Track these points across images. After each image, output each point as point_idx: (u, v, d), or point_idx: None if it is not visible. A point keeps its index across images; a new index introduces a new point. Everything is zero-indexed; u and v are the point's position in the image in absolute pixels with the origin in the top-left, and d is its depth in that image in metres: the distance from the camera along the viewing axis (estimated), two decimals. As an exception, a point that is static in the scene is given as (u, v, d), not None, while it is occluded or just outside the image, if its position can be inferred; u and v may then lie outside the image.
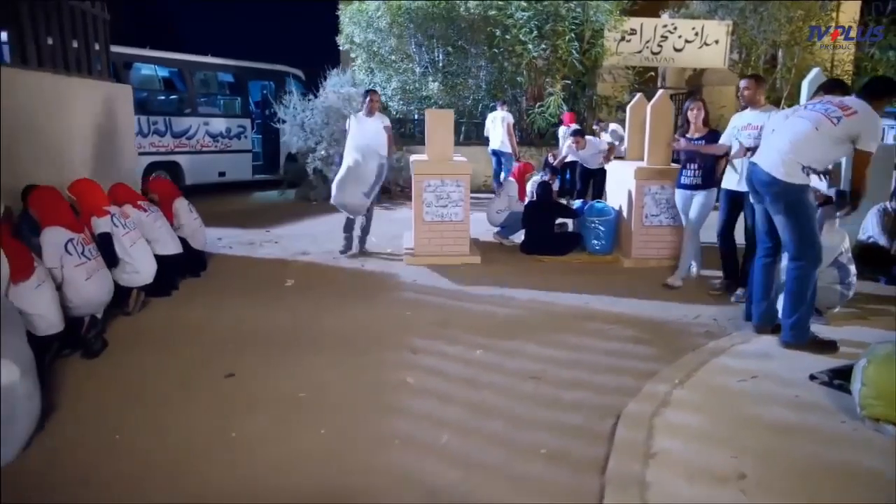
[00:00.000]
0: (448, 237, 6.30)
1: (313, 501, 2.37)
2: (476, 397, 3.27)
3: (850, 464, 2.44)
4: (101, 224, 4.28)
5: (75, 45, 6.14)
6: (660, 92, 6.47)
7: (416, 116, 12.40)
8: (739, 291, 4.95)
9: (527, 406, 3.17)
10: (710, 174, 5.20)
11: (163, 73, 11.43)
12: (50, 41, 5.59)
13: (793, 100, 12.72)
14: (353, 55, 11.98)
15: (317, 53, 16.89)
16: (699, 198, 5.26)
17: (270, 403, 3.19)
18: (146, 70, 11.03)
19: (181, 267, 5.37)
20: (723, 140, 5.01)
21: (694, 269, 5.71)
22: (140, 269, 4.49)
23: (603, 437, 2.82)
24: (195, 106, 11.62)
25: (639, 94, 7.01)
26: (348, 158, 6.37)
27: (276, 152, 13.38)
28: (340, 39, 11.92)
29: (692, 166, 5.29)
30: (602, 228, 6.57)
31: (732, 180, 4.95)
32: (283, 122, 11.02)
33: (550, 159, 9.98)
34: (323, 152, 10.66)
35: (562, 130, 10.58)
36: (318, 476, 2.54)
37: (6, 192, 4.76)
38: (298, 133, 10.84)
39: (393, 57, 11.58)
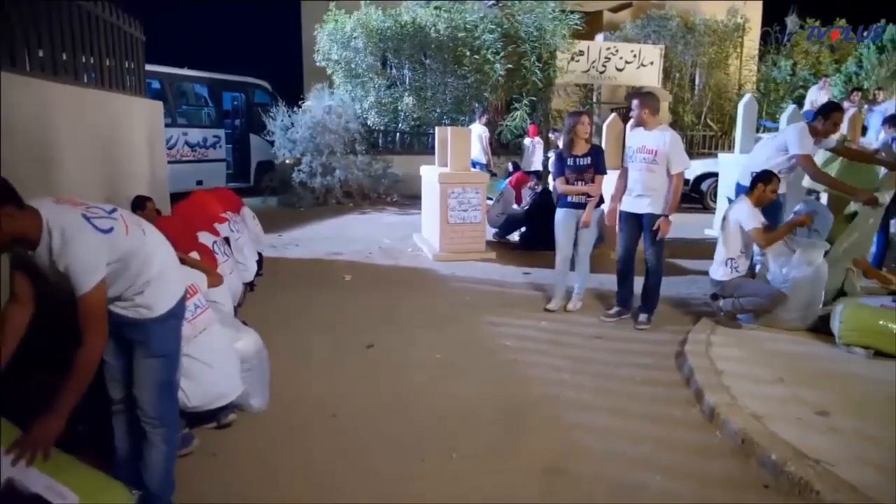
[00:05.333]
0: (468, 237, 7.37)
1: (500, 416, 3.40)
2: (565, 352, 4.38)
3: (845, 369, 3.79)
4: (221, 230, 5.03)
5: (118, 63, 6.69)
6: (612, 115, 7.93)
7: (382, 128, 13.38)
8: (644, 317, 4.90)
9: (605, 354, 4.33)
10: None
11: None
12: (90, 58, 6.04)
13: (713, 113, 14.79)
14: (329, 71, 12.75)
15: (275, 65, 17.48)
16: (591, 216, 5.05)
17: (417, 365, 4.15)
18: (129, 82, 11.33)
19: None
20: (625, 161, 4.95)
21: (576, 298, 5.40)
22: (249, 266, 5.28)
23: (672, 368, 4.04)
24: (175, 117, 12.03)
25: (613, 114, 8.36)
26: None
27: (246, 161, 13.93)
28: (317, 56, 12.66)
29: (578, 184, 5.02)
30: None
31: (632, 202, 4.78)
32: (272, 133, 11.68)
33: (510, 167, 11.26)
34: (309, 166, 11.40)
35: (527, 141, 11.90)
36: (493, 400, 3.58)
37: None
38: (287, 145, 11.54)
39: (370, 74, 12.47)
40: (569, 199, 5.10)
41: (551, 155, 10.84)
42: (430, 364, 4.14)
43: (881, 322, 3.92)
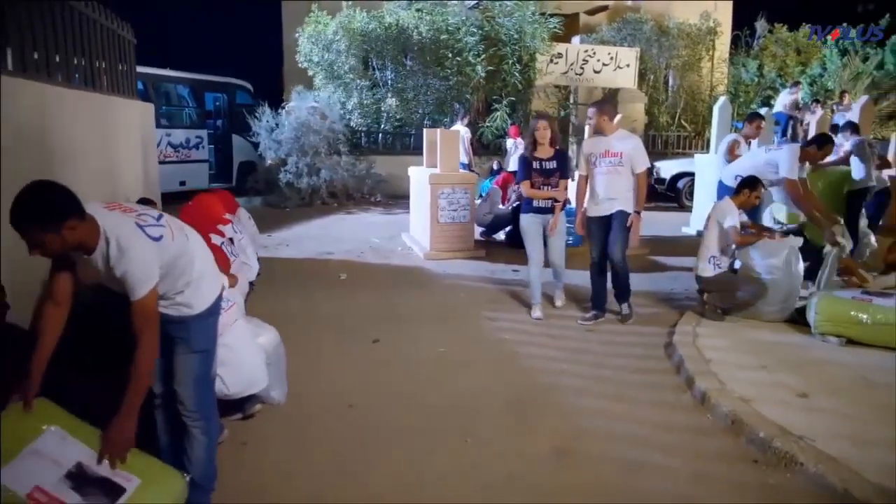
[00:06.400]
0: (458, 236, 7.59)
1: (507, 403, 3.63)
2: (561, 344, 4.64)
3: (821, 356, 4.12)
4: (226, 231, 5.17)
5: (112, 66, 6.75)
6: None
7: (364, 129, 13.53)
8: (625, 307, 5.04)
9: (599, 346, 4.59)
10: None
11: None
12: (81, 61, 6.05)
13: (686, 114, 15.24)
14: (311, 73, 12.84)
15: (255, 66, 17.47)
16: (559, 222, 5.05)
17: (423, 358, 4.36)
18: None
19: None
20: (580, 168, 5.08)
21: (559, 293, 5.53)
22: (252, 266, 5.42)
23: (662, 357, 4.33)
24: (157, 118, 12.02)
25: (593, 117, 8.66)
26: None
27: (228, 161, 13.98)
28: (299, 58, 12.75)
29: (545, 188, 4.97)
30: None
31: (599, 206, 4.87)
32: (258, 134, 11.77)
33: (495, 167, 11.54)
34: (295, 166, 11.52)
35: (509, 142, 12.15)
36: (499, 389, 3.81)
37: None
38: (272, 145, 11.63)
39: (351, 75, 12.61)
40: (534, 203, 5.01)
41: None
42: (436, 357, 4.36)
43: (852, 313, 4.25)
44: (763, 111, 8.89)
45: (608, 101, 5.17)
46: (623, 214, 4.79)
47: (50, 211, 1.96)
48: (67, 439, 2.13)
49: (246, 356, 3.08)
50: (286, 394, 3.61)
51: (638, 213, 4.83)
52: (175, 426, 2.61)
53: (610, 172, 4.77)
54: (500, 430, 3.33)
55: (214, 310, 2.54)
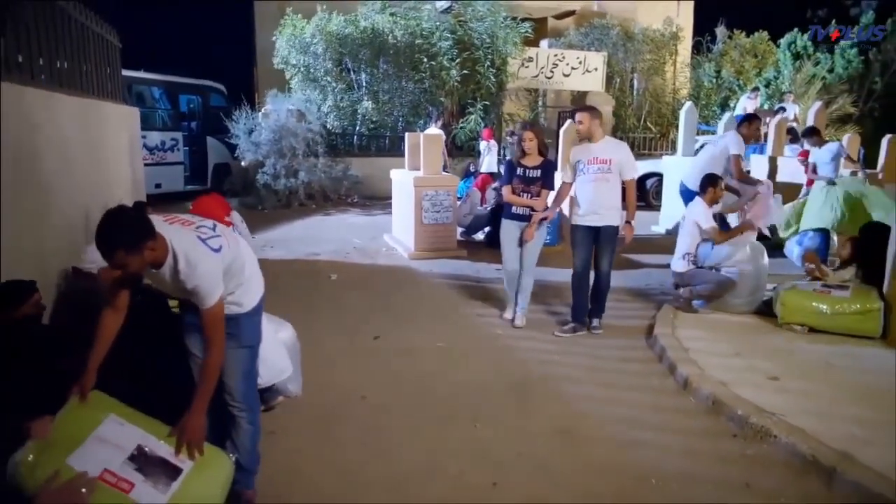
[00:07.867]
0: (441, 236, 7.87)
1: (508, 391, 3.92)
2: (547, 337, 4.96)
3: (788, 344, 4.54)
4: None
5: (100, 70, 6.82)
6: (568, 122, 8.62)
7: (340, 131, 13.71)
8: (596, 322, 4.99)
9: (586, 339, 4.93)
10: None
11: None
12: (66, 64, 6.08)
13: (651, 116, 15.80)
14: (287, 76, 12.96)
15: (226, 68, 17.41)
16: (534, 231, 4.93)
17: (424, 352, 4.62)
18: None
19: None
20: (564, 174, 5.06)
21: (521, 314, 5.19)
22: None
23: (644, 347, 4.69)
24: (132, 120, 12.00)
25: (569, 121, 9.03)
26: None
27: (203, 163, 13.96)
28: (276, 60, 12.86)
29: (526, 196, 4.93)
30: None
31: (587, 216, 4.81)
32: (238, 136, 11.85)
33: (472, 168, 11.85)
34: (273, 168, 11.64)
35: (482, 145, 12.48)
36: (499, 379, 4.10)
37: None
38: (250, 147, 11.72)
39: (328, 78, 12.78)
40: (513, 209, 5.01)
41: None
42: (436, 351, 4.63)
43: (814, 304, 4.69)
44: (727, 116, 9.40)
45: (594, 106, 5.14)
46: (612, 230, 4.79)
47: (131, 237, 2.14)
48: (125, 425, 2.34)
49: (273, 348, 3.32)
50: (301, 387, 3.85)
51: (629, 223, 4.79)
52: (216, 416, 2.82)
53: (597, 180, 4.69)
54: (505, 414, 3.62)
55: (260, 308, 2.76)
